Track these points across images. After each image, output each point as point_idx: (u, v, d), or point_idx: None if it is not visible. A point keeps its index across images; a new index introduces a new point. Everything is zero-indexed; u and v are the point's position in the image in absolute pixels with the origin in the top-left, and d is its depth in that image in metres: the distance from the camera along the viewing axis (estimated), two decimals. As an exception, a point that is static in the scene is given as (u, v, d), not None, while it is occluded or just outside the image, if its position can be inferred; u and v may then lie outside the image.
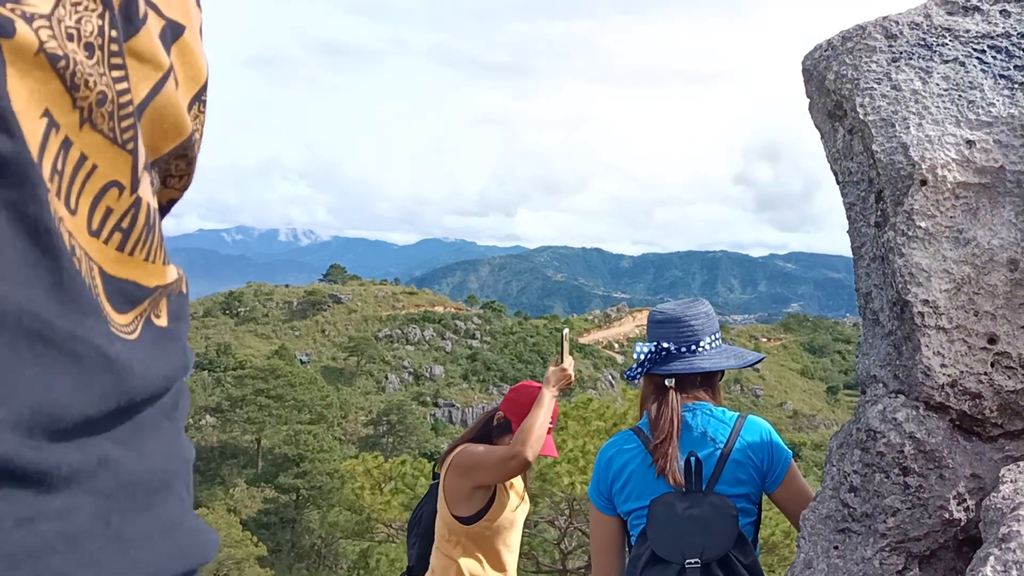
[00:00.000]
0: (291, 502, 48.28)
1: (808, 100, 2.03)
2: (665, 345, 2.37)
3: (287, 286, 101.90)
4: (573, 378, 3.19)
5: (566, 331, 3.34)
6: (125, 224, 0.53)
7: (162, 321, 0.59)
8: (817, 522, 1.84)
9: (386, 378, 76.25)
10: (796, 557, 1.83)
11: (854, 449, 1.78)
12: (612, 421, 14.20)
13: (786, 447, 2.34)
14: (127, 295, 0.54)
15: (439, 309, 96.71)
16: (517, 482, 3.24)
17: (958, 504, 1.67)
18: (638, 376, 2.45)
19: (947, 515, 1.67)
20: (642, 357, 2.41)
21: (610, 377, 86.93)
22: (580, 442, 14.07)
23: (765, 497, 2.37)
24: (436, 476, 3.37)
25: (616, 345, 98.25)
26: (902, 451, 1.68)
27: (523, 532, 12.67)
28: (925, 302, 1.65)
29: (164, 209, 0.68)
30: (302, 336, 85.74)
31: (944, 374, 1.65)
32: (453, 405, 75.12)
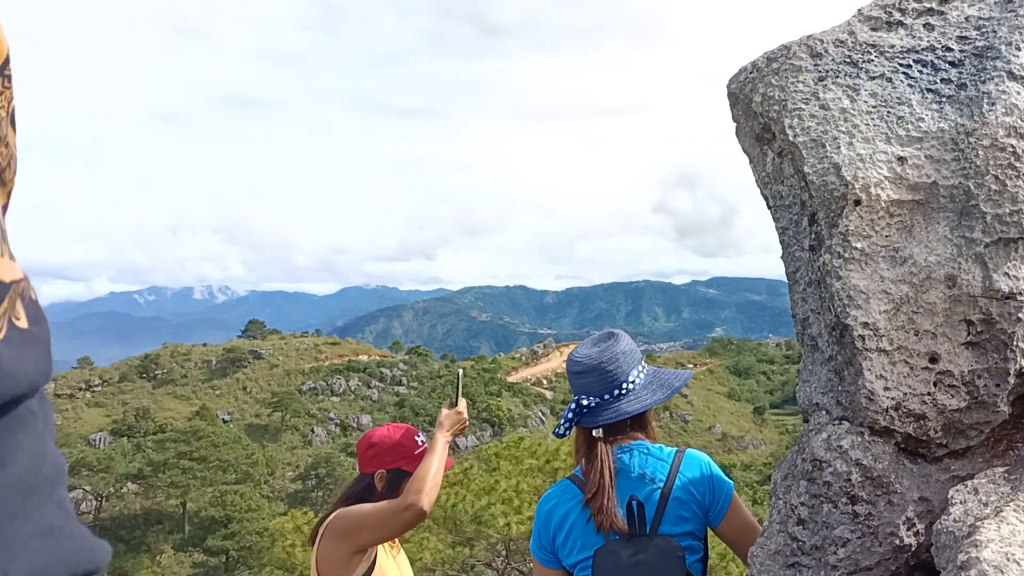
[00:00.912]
0: (221, 564, 47.32)
1: (735, 124, 2.00)
2: (585, 402, 2.30)
3: (205, 345, 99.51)
4: (467, 422, 3.00)
5: (460, 371, 3.16)
6: None
7: (23, 323, 0.57)
8: (766, 558, 1.77)
9: (312, 431, 74.59)
10: (748, 598, 1.76)
11: (800, 480, 1.72)
12: (544, 458, 14.12)
13: (726, 478, 2.28)
14: None
15: (363, 358, 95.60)
16: (402, 560, 2.99)
17: (908, 529, 1.62)
18: (566, 433, 2.36)
19: (898, 541, 1.62)
20: (569, 415, 2.33)
21: (540, 414, 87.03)
22: (514, 481, 13.95)
23: (710, 531, 2.30)
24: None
25: (544, 381, 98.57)
26: (849, 479, 1.63)
27: (462, 576, 12.06)
28: (865, 324, 1.62)
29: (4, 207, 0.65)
30: (223, 395, 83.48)
31: (888, 397, 1.61)
32: (383, 453, 73.83)
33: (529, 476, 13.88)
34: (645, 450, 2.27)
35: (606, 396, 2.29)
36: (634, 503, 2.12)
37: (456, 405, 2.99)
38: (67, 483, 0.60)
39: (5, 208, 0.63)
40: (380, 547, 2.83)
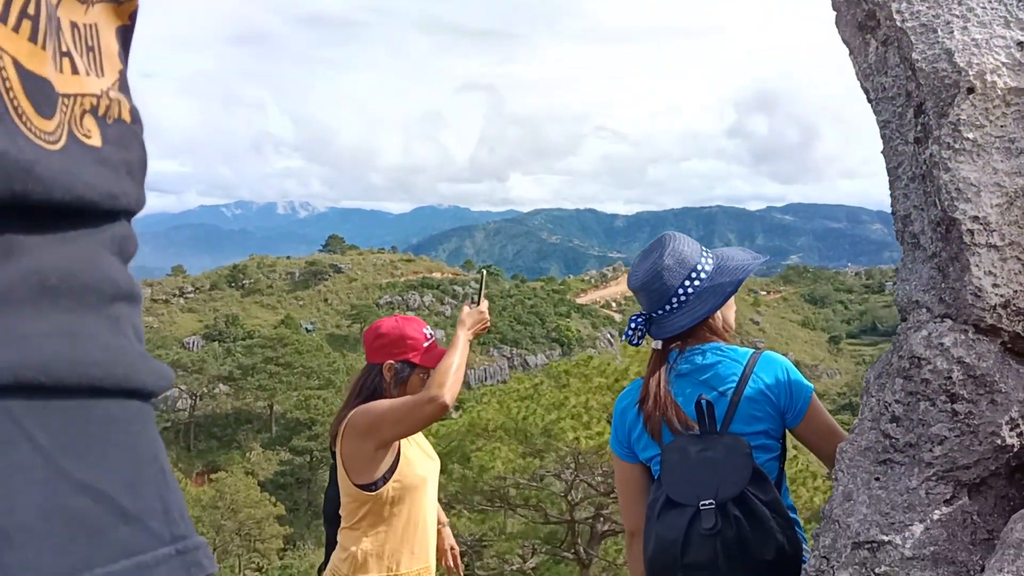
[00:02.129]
0: (305, 463, 50.36)
1: (835, 13, 1.91)
2: (638, 318, 2.35)
3: (288, 257, 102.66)
4: (488, 322, 2.97)
5: (483, 272, 3.16)
6: (31, 10, 0.47)
7: (94, 141, 0.54)
8: (856, 454, 1.76)
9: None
10: (834, 490, 1.76)
11: (895, 378, 1.69)
12: (613, 377, 14.25)
13: (806, 381, 2.24)
14: (47, 96, 0.49)
15: (437, 275, 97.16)
16: (423, 442, 3.02)
17: (1011, 430, 1.58)
18: (639, 341, 2.38)
19: (999, 441, 1.58)
20: (632, 325, 2.36)
21: (608, 335, 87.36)
22: (583, 398, 14.13)
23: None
24: (335, 455, 3.09)
25: (613, 304, 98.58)
26: (950, 377, 1.59)
27: (531, 486, 12.44)
28: (975, 219, 1.55)
29: (128, 29, 0.62)
30: (306, 305, 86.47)
31: (996, 294, 1.56)
32: (455, 368, 75.92)
33: (598, 394, 14.03)
34: (719, 351, 2.26)
35: (659, 312, 2.30)
36: (703, 401, 2.13)
37: (478, 304, 2.97)
38: (136, 308, 0.57)
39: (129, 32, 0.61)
40: (412, 447, 2.89)
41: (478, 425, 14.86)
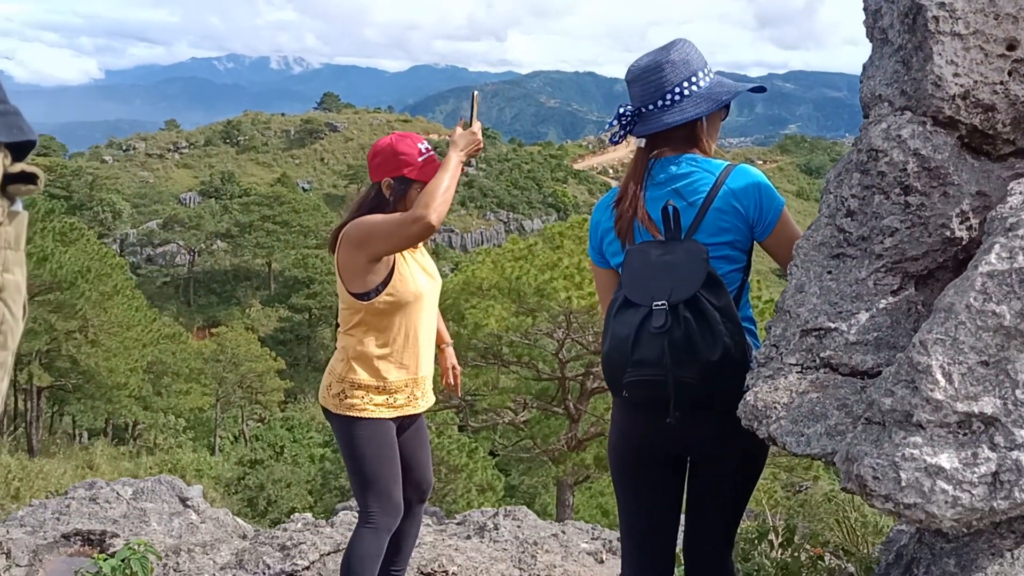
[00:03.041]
0: (304, 321, 51.24)
1: None
2: (621, 111, 2.28)
3: (283, 115, 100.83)
4: (481, 143, 2.96)
5: (475, 93, 3.05)
6: None
7: None
8: (811, 249, 1.80)
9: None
10: (788, 283, 1.81)
11: (853, 173, 1.70)
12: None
13: (778, 195, 2.24)
14: None
15: (434, 137, 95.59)
16: (424, 260, 3.06)
17: (960, 222, 1.61)
18: (620, 140, 2.35)
19: (948, 233, 1.61)
20: (613, 121, 2.30)
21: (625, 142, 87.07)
22: (576, 259, 14.23)
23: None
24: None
25: (611, 170, 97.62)
26: (905, 169, 1.60)
27: (523, 344, 12.63)
28: (941, 5, 1.53)
29: None
30: (302, 164, 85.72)
31: (956, 84, 1.55)
32: (452, 230, 76.10)
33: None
34: (693, 161, 2.25)
35: (650, 106, 2.26)
36: (670, 208, 2.14)
37: (471, 126, 2.95)
38: None
39: None
40: (409, 263, 2.93)
41: (472, 284, 15.02)
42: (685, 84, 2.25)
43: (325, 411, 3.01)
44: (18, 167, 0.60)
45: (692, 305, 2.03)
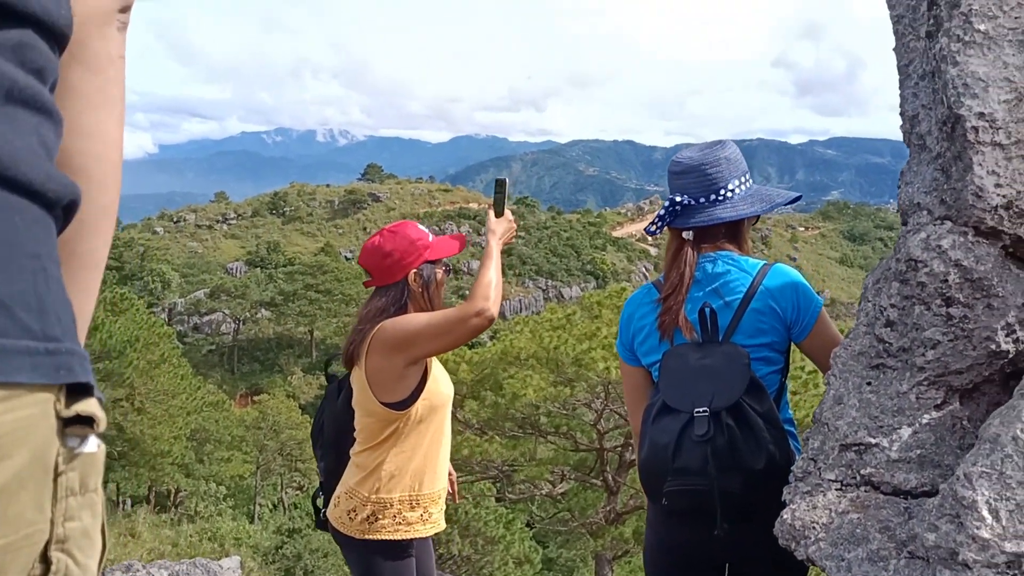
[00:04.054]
0: None
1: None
2: (678, 199, 2.25)
3: (328, 186, 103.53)
4: (515, 229, 2.91)
5: (506, 180, 2.97)
6: None
7: None
8: (849, 359, 1.73)
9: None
10: (826, 394, 1.74)
11: (892, 282, 1.65)
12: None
13: (816, 295, 2.21)
14: None
15: (474, 206, 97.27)
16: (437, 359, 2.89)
17: (1007, 335, 1.54)
18: (658, 231, 2.33)
19: (993, 347, 1.55)
20: (662, 212, 2.29)
21: (643, 269, 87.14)
22: (615, 329, 14.14)
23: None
24: (331, 378, 2.99)
25: (649, 238, 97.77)
26: (946, 280, 1.55)
27: (562, 414, 12.43)
28: (980, 115, 1.49)
29: None
30: (345, 234, 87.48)
31: (999, 195, 1.50)
32: (491, 299, 76.66)
33: (630, 325, 14.05)
34: (731, 260, 2.23)
35: (702, 199, 2.24)
36: (707, 309, 2.10)
37: (502, 214, 2.88)
38: (50, 124, 0.58)
39: None
40: (434, 363, 2.79)
41: (511, 353, 14.98)
42: (736, 182, 2.26)
43: (343, 538, 2.76)
44: (73, 410, 0.58)
45: (735, 412, 1.98)
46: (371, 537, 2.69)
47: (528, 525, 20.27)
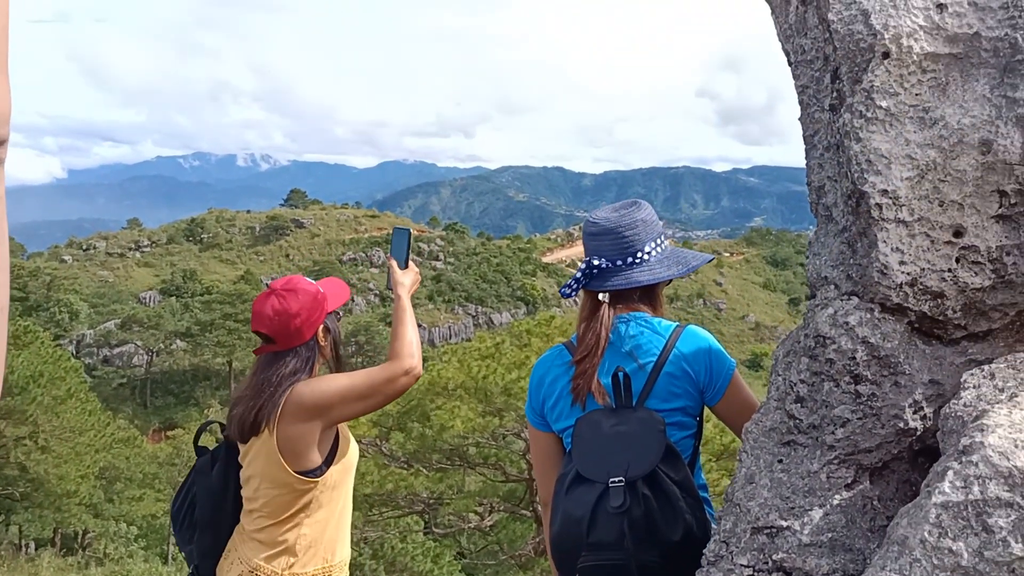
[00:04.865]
0: None
1: (758, -30, 1.81)
2: (596, 263, 2.21)
3: (249, 212, 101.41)
4: (420, 279, 2.85)
5: (410, 232, 2.94)
6: None
7: None
8: (760, 435, 1.69)
9: (352, 301, 76.24)
10: (737, 472, 1.69)
11: (801, 357, 1.62)
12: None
13: (728, 357, 2.19)
14: None
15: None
16: None
17: (914, 412, 1.52)
18: (573, 293, 2.28)
19: (902, 424, 1.52)
20: (578, 275, 2.25)
21: (575, 297, 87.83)
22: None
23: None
24: (202, 450, 2.75)
25: (579, 263, 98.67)
26: (854, 357, 1.52)
27: (490, 445, 12.23)
28: (884, 192, 1.47)
29: None
30: (267, 261, 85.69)
31: (903, 272, 1.48)
32: (420, 325, 75.97)
33: (559, 354, 14.08)
34: (644, 322, 2.19)
35: (618, 262, 2.21)
36: (620, 374, 2.04)
37: (407, 266, 2.83)
38: None
39: None
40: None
41: (438, 384, 14.81)
42: (652, 244, 2.23)
43: None
44: None
45: (651, 481, 1.91)
46: None
47: (457, 557, 20.00)
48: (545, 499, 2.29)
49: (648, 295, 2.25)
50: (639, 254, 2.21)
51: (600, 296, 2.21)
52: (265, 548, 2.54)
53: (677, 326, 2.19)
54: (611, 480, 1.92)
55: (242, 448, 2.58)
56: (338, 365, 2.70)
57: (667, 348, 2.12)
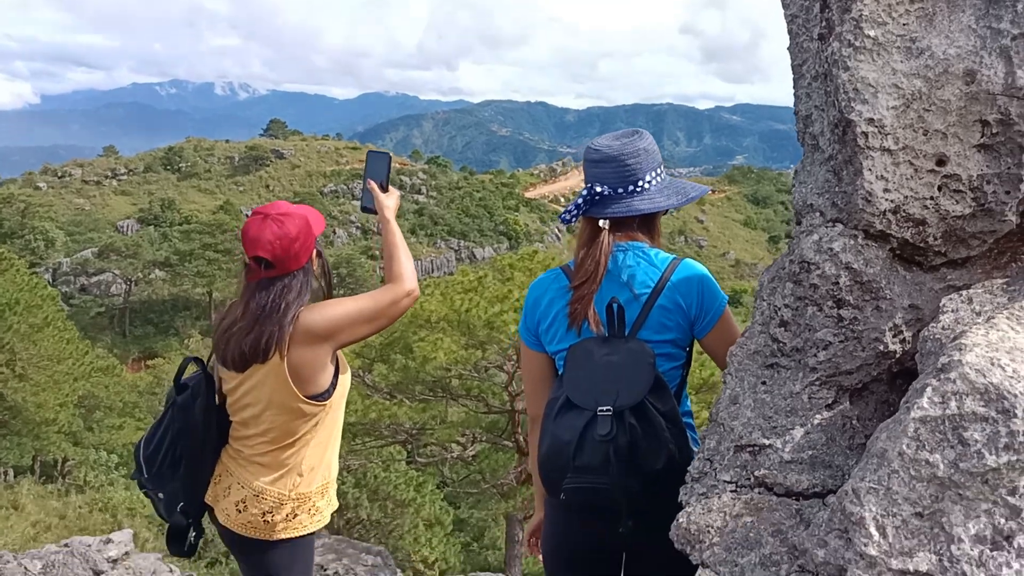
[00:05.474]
0: None
1: None
2: (598, 189, 2.22)
3: (228, 141, 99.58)
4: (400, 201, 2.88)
5: (390, 154, 2.97)
6: None
7: None
8: (745, 358, 1.75)
9: (334, 232, 75.77)
10: (722, 393, 1.76)
11: (786, 282, 1.67)
12: (557, 272, 14.30)
13: (721, 292, 2.23)
14: None
15: (396, 166, 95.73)
16: None
17: (894, 336, 1.58)
18: (573, 219, 2.29)
19: (882, 347, 1.58)
20: (579, 201, 2.26)
21: (556, 231, 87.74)
22: (526, 292, 14.23)
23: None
24: (183, 387, 2.69)
25: (562, 199, 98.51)
26: (837, 283, 1.57)
27: (473, 377, 12.34)
28: (870, 121, 1.50)
29: None
30: (246, 191, 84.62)
31: (887, 199, 1.52)
32: (401, 260, 75.97)
33: (541, 288, 14.12)
34: (641, 253, 2.22)
35: (619, 190, 2.23)
36: (615, 305, 2.09)
37: (386, 188, 2.84)
38: None
39: None
40: None
41: (421, 316, 14.84)
42: (652, 174, 2.25)
43: (252, 543, 2.60)
44: None
45: (638, 412, 1.98)
46: (287, 536, 2.59)
47: (439, 487, 20.36)
48: (534, 415, 2.36)
49: (647, 224, 2.28)
50: (640, 183, 2.23)
51: (600, 223, 2.22)
52: (268, 471, 2.58)
53: (673, 259, 2.22)
54: (600, 408, 1.98)
55: (234, 377, 2.59)
56: (329, 290, 2.72)
57: (662, 280, 2.16)
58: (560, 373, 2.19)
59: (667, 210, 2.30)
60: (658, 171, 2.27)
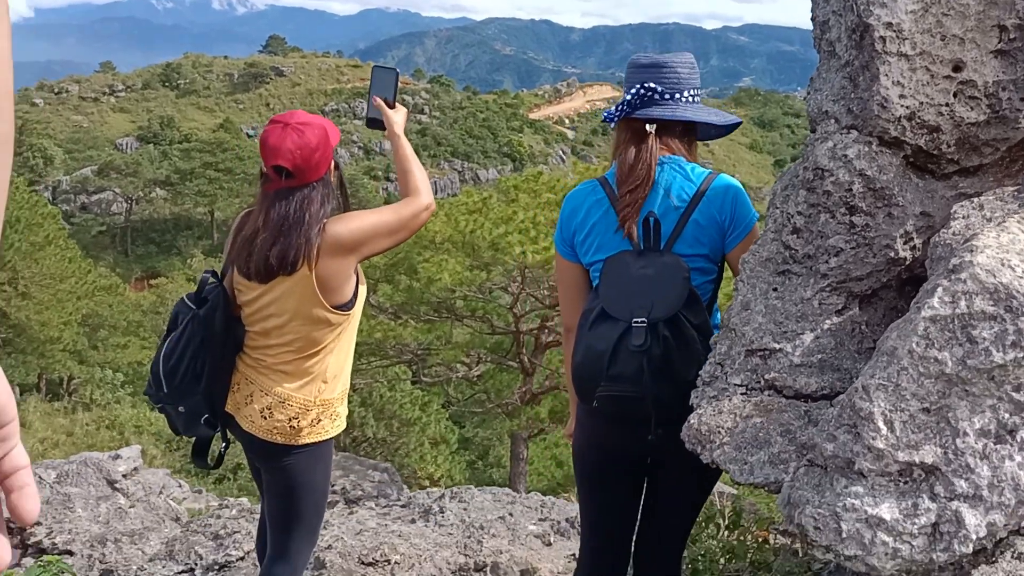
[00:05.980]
0: None
1: None
2: (652, 85, 2.19)
3: (226, 58, 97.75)
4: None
5: (396, 71, 2.92)
6: None
7: None
8: (757, 264, 1.78)
9: (336, 152, 74.96)
10: (734, 299, 1.79)
11: (799, 190, 1.68)
12: (563, 194, 14.20)
13: (752, 209, 2.22)
14: None
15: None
16: None
17: (904, 243, 1.60)
18: (616, 118, 2.27)
19: (892, 254, 1.60)
20: (628, 98, 2.23)
21: (560, 152, 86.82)
22: (531, 213, 14.13)
23: None
24: (202, 302, 2.63)
25: (566, 120, 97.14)
26: (850, 189, 1.58)
27: (478, 298, 12.38)
28: (888, 25, 1.49)
29: None
30: (246, 109, 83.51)
31: (902, 105, 1.52)
32: (405, 180, 75.40)
33: (547, 209, 14.01)
34: (679, 166, 2.21)
35: (667, 96, 2.21)
36: (651, 219, 2.11)
37: (393, 104, 2.82)
38: None
39: None
40: None
41: (425, 237, 14.83)
42: (695, 91, 2.26)
43: (277, 448, 2.64)
44: None
45: (672, 324, 2.03)
46: (311, 440, 2.64)
47: (444, 406, 20.67)
48: (569, 325, 2.38)
49: (687, 137, 2.27)
50: (686, 92, 2.23)
51: (647, 126, 2.21)
52: (293, 379, 2.62)
53: (710, 173, 2.22)
54: (635, 320, 2.03)
55: (254, 288, 2.59)
56: (346, 202, 2.72)
57: (698, 194, 2.16)
58: (595, 285, 2.23)
59: (709, 125, 2.28)
60: (697, 90, 2.27)
